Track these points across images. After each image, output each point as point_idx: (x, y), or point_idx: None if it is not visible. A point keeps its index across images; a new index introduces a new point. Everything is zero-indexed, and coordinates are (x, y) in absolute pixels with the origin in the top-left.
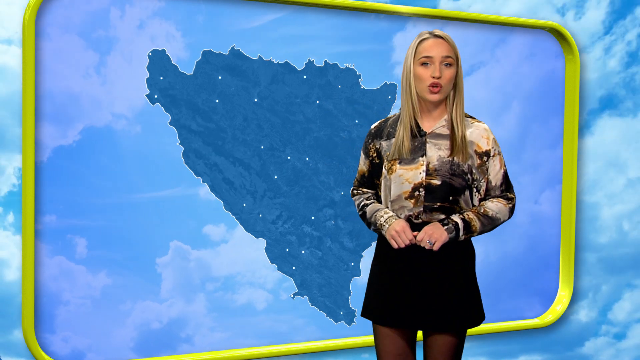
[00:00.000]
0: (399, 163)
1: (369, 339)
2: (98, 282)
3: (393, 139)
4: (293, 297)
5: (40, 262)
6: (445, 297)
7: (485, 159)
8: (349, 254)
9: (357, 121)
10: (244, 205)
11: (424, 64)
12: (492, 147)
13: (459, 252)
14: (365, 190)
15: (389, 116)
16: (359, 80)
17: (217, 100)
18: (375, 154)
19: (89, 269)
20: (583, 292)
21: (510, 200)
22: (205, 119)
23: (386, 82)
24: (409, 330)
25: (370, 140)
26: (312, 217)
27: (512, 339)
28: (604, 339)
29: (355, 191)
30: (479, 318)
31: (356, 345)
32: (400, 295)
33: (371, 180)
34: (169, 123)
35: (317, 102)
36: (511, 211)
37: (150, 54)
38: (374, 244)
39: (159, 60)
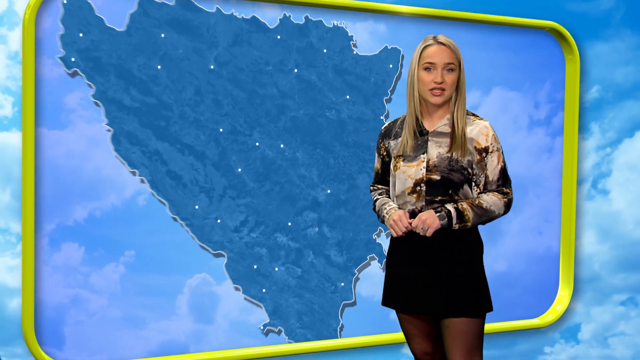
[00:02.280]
0: (403, 160)
1: (370, 339)
2: (97, 305)
3: (400, 138)
4: (263, 329)
5: (46, 288)
6: (453, 284)
7: (484, 155)
8: (338, 271)
9: (348, 97)
10: (196, 207)
11: (427, 69)
12: (491, 144)
13: (466, 242)
14: (379, 186)
15: (398, 117)
16: (352, 42)
17: (159, 67)
18: (385, 153)
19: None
20: (583, 291)
21: (506, 194)
22: (142, 92)
23: (387, 46)
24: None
25: (380, 140)
26: (289, 223)
27: (512, 339)
28: (603, 338)
29: (372, 187)
30: (487, 307)
31: (356, 345)
32: (413, 284)
33: (384, 177)
34: (92, 96)
35: (295, 70)
36: (506, 205)
37: (66, 2)
38: (370, 257)
39: (77, 11)
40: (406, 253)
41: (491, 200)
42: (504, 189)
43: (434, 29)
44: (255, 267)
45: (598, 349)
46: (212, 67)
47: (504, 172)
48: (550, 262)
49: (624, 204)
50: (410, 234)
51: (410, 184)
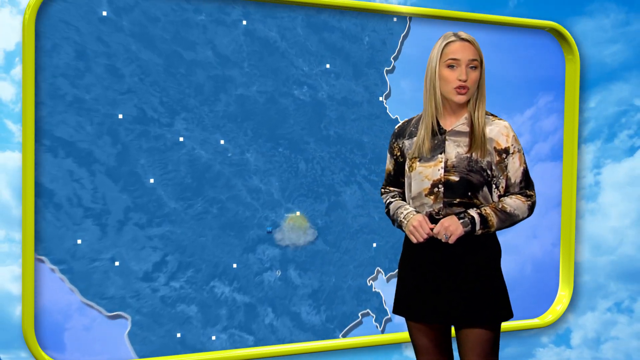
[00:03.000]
0: (419, 161)
1: (370, 339)
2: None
3: (415, 138)
4: None
5: (46, 295)
6: (474, 291)
7: (504, 156)
8: (313, 337)
9: (328, 65)
10: (79, 242)
11: (450, 66)
12: (512, 145)
13: (485, 247)
14: (391, 189)
15: (412, 117)
16: None
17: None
18: (399, 153)
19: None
20: (583, 291)
21: (529, 197)
22: None
23: None
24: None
25: (394, 140)
26: (234, 265)
27: (512, 339)
28: (596, 343)
29: (383, 190)
30: (507, 314)
31: (356, 345)
32: (429, 291)
33: (397, 179)
34: None
35: (244, 23)
36: (530, 208)
37: None
38: (363, 314)
39: None
40: (422, 259)
41: (515, 203)
42: (527, 191)
43: (434, 29)
44: (178, 335)
45: (592, 352)
46: (104, 13)
47: (526, 173)
48: (545, 270)
49: (618, 214)
50: (428, 239)
51: (427, 185)
